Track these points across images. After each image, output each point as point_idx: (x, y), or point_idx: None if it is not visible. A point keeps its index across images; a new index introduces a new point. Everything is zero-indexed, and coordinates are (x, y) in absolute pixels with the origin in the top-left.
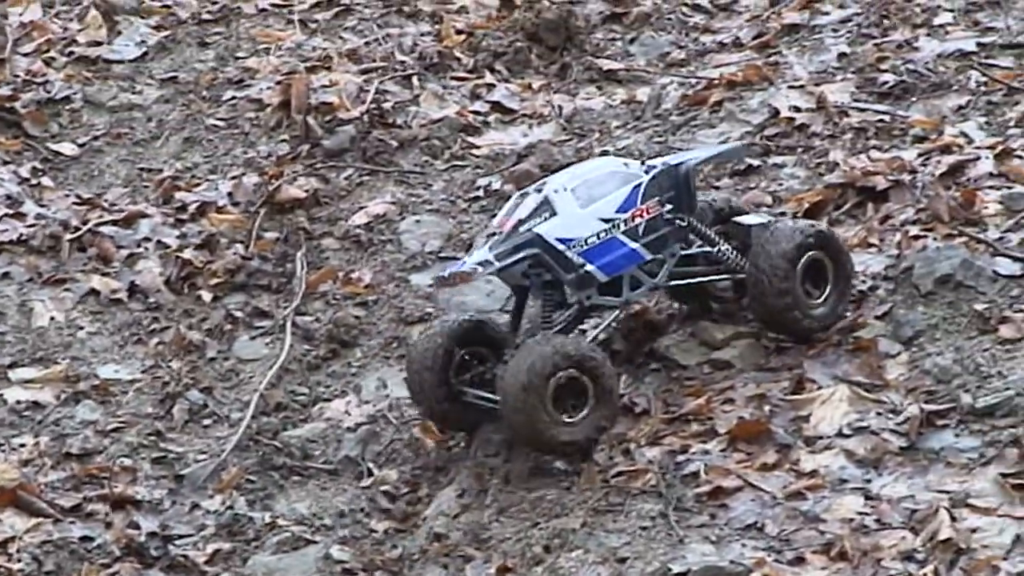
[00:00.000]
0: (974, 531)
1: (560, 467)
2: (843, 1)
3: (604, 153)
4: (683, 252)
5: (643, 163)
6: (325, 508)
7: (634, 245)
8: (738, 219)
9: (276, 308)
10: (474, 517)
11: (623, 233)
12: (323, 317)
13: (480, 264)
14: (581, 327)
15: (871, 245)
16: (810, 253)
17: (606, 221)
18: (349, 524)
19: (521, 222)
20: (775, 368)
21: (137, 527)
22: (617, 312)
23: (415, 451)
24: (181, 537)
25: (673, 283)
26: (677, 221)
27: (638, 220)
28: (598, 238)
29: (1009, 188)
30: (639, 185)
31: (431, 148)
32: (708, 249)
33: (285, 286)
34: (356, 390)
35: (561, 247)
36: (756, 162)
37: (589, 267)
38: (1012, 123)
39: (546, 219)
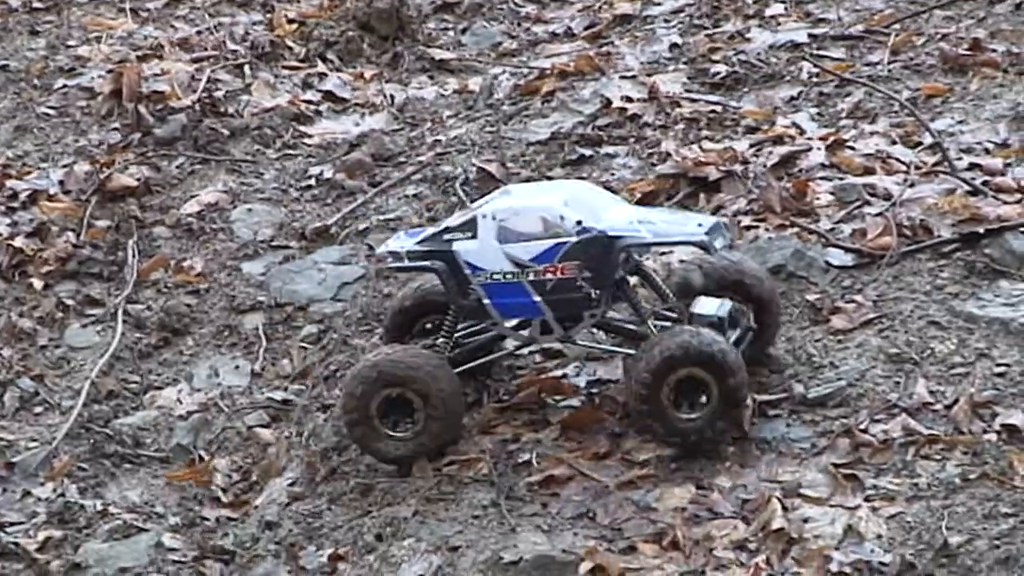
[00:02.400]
0: (806, 521)
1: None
2: None
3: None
4: (593, 322)
5: (579, 223)
6: (157, 496)
7: (537, 299)
8: (693, 306)
9: (107, 296)
10: (306, 506)
11: (530, 283)
12: (155, 305)
13: (392, 253)
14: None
15: None
16: (682, 371)
17: (517, 265)
18: (181, 512)
19: (448, 230)
20: (605, 358)
21: None
22: (518, 347)
23: (246, 440)
24: (12, 525)
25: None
26: (591, 292)
27: (549, 276)
28: (504, 277)
29: (841, 179)
30: (563, 244)
31: (263, 137)
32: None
33: (117, 274)
34: (188, 378)
35: (467, 271)
36: (588, 152)
37: (486, 301)
38: (844, 114)
39: (467, 238)
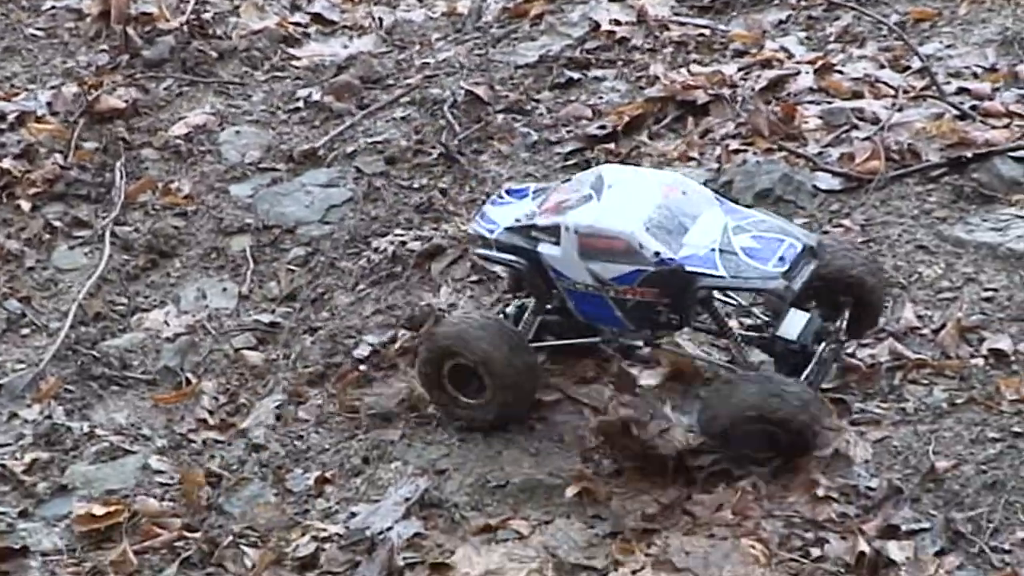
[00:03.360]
0: None
1: (377, 377)
2: None
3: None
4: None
5: (658, 254)
6: (143, 418)
7: (619, 314)
8: (779, 324)
9: (95, 218)
10: (292, 429)
11: (611, 299)
12: (142, 227)
13: (482, 239)
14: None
15: (691, 159)
16: (755, 426)
17: (598, 281)
18: (167, 435)
19: (535, 228)
20: None
21: None
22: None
23: (234, 362)
24: None
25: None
26: (671, 317)
27: (629, 297)
28: (586, 288)
29: (829, 103)
30: (642, 271)
31: (251, 59)
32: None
33: (104, 196)
34: (175, 300)
35: (552, 275)
36: (576, 75)
37: (570, 304)
38: (832, 38)
39: (552, 243)
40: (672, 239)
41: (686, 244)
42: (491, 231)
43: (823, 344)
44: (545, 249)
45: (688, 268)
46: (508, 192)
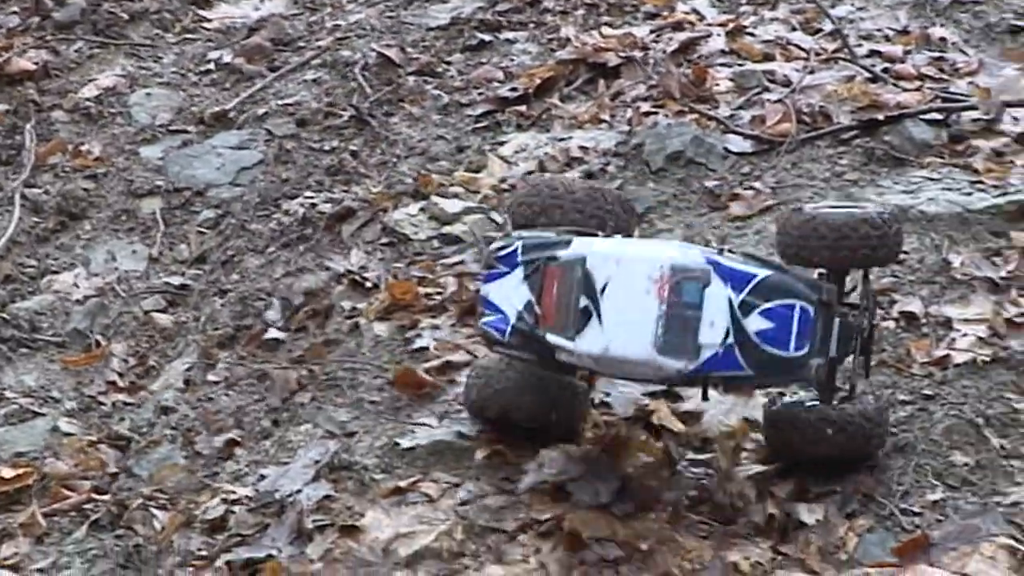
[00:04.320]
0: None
1: (284, 340)
2: None
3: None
4: None
5: (680, 371)
6: (53, 381)
7: None
8: None
9: (5, 180)
10: (202, 391)
11: None
12: (52, 189)
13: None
14: None
15: (602, 121)
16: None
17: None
18: (77, 397)
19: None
20: None
21: None
22: None
23: (144, 324)
24: None
25: None
26: None
27: None
28: None
29: (740, 65)
30: (667, 379)
31: (162, 21)
32: None
33: (14, 158)
34: (85, 263)
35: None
36: (487, 37)
37: None
38: (744, 0)
39: (566, 352)
40: (687, 343)
41: (703, 345)
42: (501, 332)
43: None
44: (564, 357)
45: (714, 374)
46: (498, 259)
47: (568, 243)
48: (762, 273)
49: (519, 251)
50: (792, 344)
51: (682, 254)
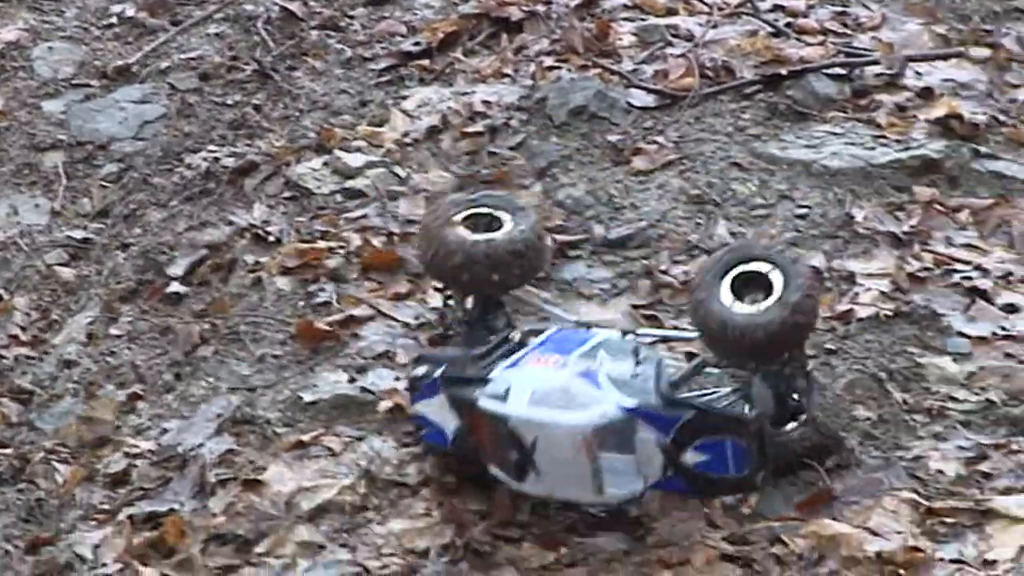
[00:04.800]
0: None
1: (187, 295)
2: None
3: None
4: None
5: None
6: None
7: None
8: None
9: None
10: (105, 345)
11: None
12: None
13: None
14: None
15: (505, 76)
16: None
17: None
18: None
19: None
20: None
21: None
22: None
23: (46, 278)
24: None
25: None
26: None
27: None
28: None
29: (643, 20)
30: None
31: None
32: None
33: None
34: None
35: None
36: None
37: None
38: None
39: None
40: (630, 479)
41: (646, 475)
42: (443, 443)
43: None
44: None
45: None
46: (420, 383)
47: (486, 381)
48: (686, 415)
49: (439, 383)
50: (732, 468)
51: (600, 415)
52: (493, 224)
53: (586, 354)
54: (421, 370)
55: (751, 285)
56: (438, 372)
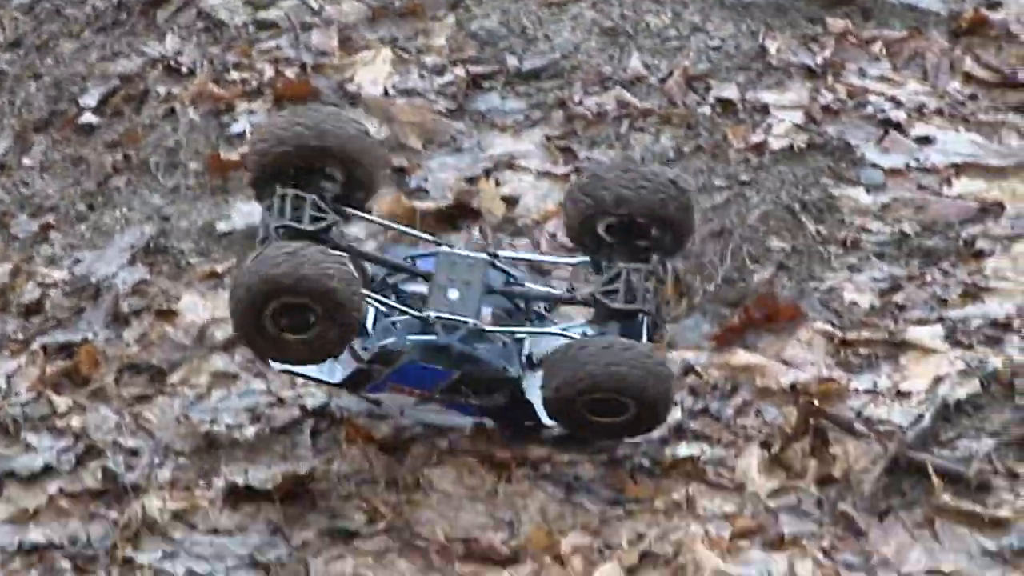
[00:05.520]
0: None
1: (99, 125)
2: None
3: None
4: None
5: None
6: None
7: None
8: None
9: None
10: (18, 175)
11: None
12: None
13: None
14: None
15: None
16: None
17: None
18: None
19: None
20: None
21: None
22: None
23: None
24: None
25: None
26: None
27: None
28: None
29: None
30: None
31: None
32: None
33: None
34: None
35: None
36: None
37: None
38: None
39: None
40: None
41: None
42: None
43: None
44: None
45: None
46: None
47: None
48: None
49: None
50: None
51: None
52: None
53: None
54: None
55: None
56: None
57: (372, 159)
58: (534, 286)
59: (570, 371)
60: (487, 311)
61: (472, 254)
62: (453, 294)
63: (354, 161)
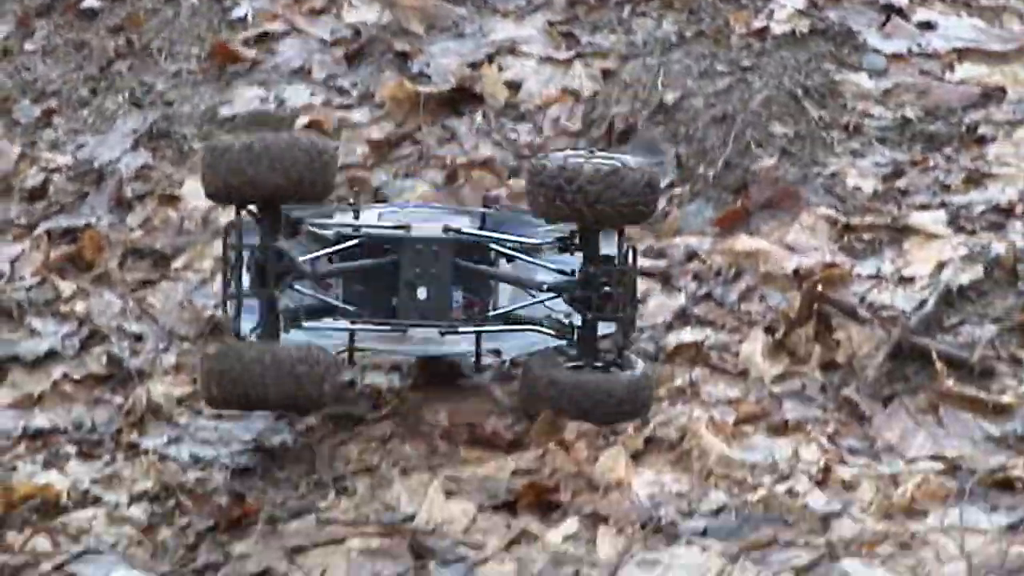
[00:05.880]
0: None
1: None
2: None
3: None
4: None
5: None
6: None
7: None
8: None
9: None
10: (20, 60)
11: None
12: None
13: None
14: None
15: None
16: None
17: None
18: None
19: None
20: None
21: None
22: None
23: None
24: None
25: None
26: None
27: None
28: None
29: None
30: None
31: None
32: None
33: None
34: None
35: None
36: None
37: None
38: None
39: None
40: None
41: None
42: None
43: None
44: None
45: None
46: None
47: None
48: None
49: None
50: None
51: None
52: None
53: None
54: None
55: None
56: None
57: (326, 180)
58: (502, 269)
59: None
60: (458, 296)
61: (437, 236)
62: (422, 293)
63: (311, 185)
